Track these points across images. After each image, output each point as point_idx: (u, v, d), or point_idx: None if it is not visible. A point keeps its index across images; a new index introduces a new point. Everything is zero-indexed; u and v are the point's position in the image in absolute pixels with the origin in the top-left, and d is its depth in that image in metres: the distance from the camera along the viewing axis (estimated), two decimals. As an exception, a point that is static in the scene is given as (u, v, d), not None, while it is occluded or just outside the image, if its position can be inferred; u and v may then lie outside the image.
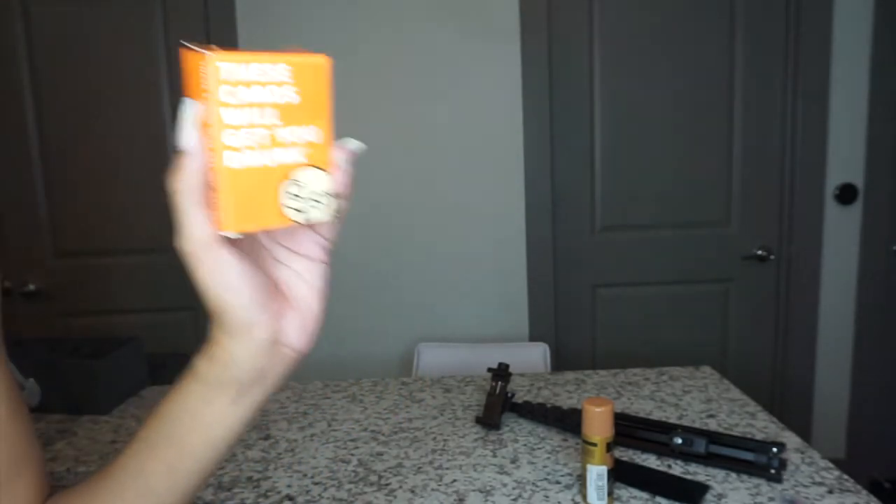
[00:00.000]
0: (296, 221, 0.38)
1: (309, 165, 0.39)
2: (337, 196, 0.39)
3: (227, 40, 2.14)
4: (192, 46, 0.36)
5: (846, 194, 2.23)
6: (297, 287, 0.42)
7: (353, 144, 0.41)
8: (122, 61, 2.17)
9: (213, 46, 0.36)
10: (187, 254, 0.37)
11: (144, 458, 0.44)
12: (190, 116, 0.36)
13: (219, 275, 0.37)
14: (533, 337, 2.29)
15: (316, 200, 0.39)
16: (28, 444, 0.48)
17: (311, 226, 0.41)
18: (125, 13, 2.15)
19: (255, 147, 0.37)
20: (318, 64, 0.38)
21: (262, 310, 0.39)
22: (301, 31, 2.15)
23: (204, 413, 0.42)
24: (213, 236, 0.36)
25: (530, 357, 1.92)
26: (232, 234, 0.36)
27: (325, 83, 0.39)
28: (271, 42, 2.14)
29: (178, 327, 2.28)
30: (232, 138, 0.36)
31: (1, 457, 0.45)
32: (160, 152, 2.22)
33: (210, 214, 0.36)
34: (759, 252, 2.29)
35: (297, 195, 0.38)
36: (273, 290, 0.41)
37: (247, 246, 0.41)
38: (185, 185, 0.36)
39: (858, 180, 2.24)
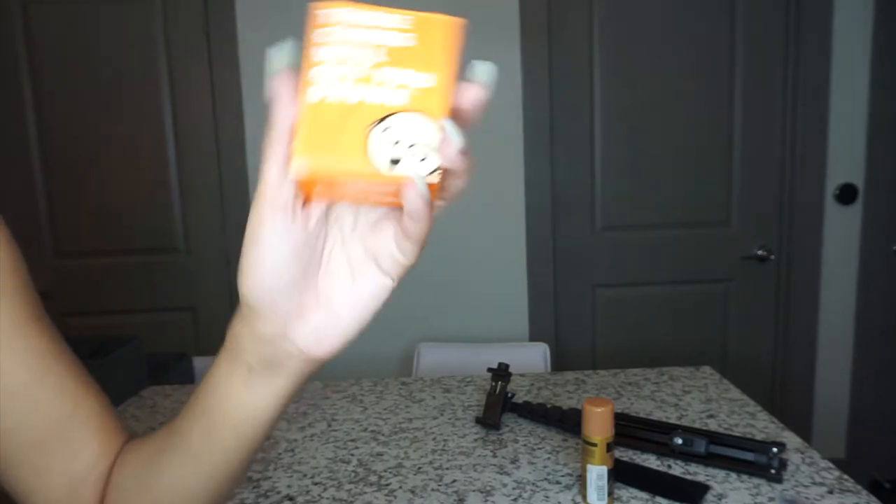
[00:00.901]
0: (382, 172, 0.31)
1: (413, 111, 0.32)
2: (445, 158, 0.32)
3: (227, 40, 2.14)
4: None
5: (846, 194, 2.23)
6: (339, 289, 0.36)
7: (485, 71, 0.34)
8: (122, 61, 2.17)
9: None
10: (253, 206, 0.33)
11: (189, 423, 0.43)
12: (277, 59, 0.32)
13: (261, 246, 0.34)
14: (533, 337, 2.29)
15: (416, 153, 0.31)
16: (75, 398, 0.48)
17: (403, 194, 0.32)
18: (125, 13, 2.15)
19: (346, 81, 0.31)
20: (449, 20, 0.33)
21: (273, 304, 0.35)
22: (300, 31, 2.15)
23: (226, 386, 0.40)
24: (279, 199, 0.32)
25: (530, 357, 1.92)
26: (301, 168, 0.31)
27: (450, 39, 0.33)
28: (271, 42, 2.14)
29: (178, 327, 2.28)
30: (319, 74, 0.31)
31: (36, 417, 0.46)
32: (160, 152, 2.22)
33: (285, 170, 0.32)
34: (759, 252, 2.29)
35: (391, 141, 0.31)
36: (309, 282, 0.36)
37: (315, 225, 0.35)
38: (270, 135, 0.32)
39: (858, 180, 2.24)
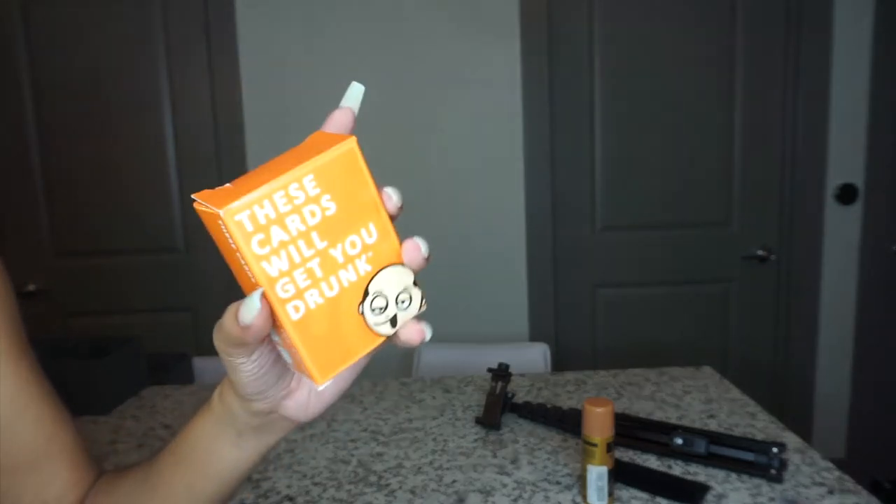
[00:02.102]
0: (389, 335, 0.35)
1: (379, 270, 0.34)
2: (417, 282, 0.35)
3: (227, 40, 2.14)
4: (203, 203, 0.32)
5: (846, 194, 2.23)
6: None
7: (355, 92, 0.37)
8: (121, 61, 2.17)
9: (225, 187, 0.32)
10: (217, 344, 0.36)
11: (170, 469, 0.46)
12: (254, 307, 0.31)
13: (233, 372, 0.37)
14: (533, 337, 2.29)
15: (402, 301, 0.35)
16: (52, 431, 0.50)
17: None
18: (125, 13, 2.15)
19: (311, 285, 0.32)
20: (344, 153, 0.33)
21: (264, 395, 0.38)
22: (300, 30, 2.15)
23: (213, 445, 0.44)
24: (234, 352, 0.35)
25: (530, 357, 1.92)
26: (326, 385, 0.34)
27: (359, 172, 0.33)
28: (271, 42, 2.14)
29: (178, 327, 2.28)
30: (284, 288, 0.32)
31: (12, 445, 0.47)
32: (160, 152, 2.22)
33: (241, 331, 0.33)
34: (759, 252, 2.29)
35: (381, 308, 0.34)
36: (284, 372, 0.39)
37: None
38: (220, 333, 0.34)
39: (858, 180, 2.24)
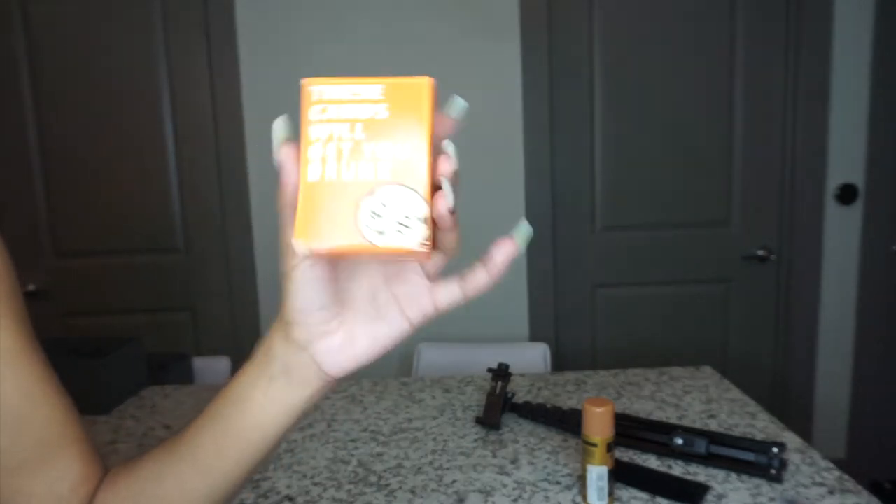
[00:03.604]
0: (374, 244, 0.34)
1: (395, 183, 0.35)
2: (430, 222, 0.35)
3: (227, 40, 2.14)
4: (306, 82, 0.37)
5: (846, 194, 2.23)
6: (362, 324, 0.42)
7: (458, 108, 0.38)
8: (121, 61, 2.17)
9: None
10: (281, 254, 0.39)
11: (201, 432, 0.46)
12: (277, 134, 0.37)
13: (293, 288, 0.39)
14: (533, 337, 2.29)
15: (401, 224, 0.35)
16: (63, 424, 0.50)
17: (400, 258, 0.38)
18: (125, 13, 2.15)
19: (335, 159, 0.35)
20: (417, 83, 0.36)
21: (306, 319, 0.40)
22: (299, 28, 2.15)
23: (248, 395, 0.44)
24: (299, 256, 0.37)
25: (530, 357, 1.92)
26: (302, 248, 0.35)
27: (424, 102, 0.36)
28: (271, 42, 2.14)
29: (178, 327, 2.28)
30: (313, 152, 0.36)
31: (26, 439, 0.47)
32: (160, 152, 2.22)
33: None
34: (759, 252, 2.29)
35: (378, 214, 0.35)
36: (338, 309, 0.41)
37: (345, 263, 0.41)
38: (281, 200, 0.37)
39: (858, 180, 2.24)
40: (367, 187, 0.35)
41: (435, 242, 0.37)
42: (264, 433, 0.45)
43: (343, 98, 0.36)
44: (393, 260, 0.40)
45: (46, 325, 2.25)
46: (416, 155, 0.35)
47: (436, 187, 0.36)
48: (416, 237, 0.35)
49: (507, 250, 0.39)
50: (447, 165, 0.36)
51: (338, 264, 0.40)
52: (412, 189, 0.35)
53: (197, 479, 0.46)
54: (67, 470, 0.49)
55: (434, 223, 0.36)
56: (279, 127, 0.37)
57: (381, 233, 0.35)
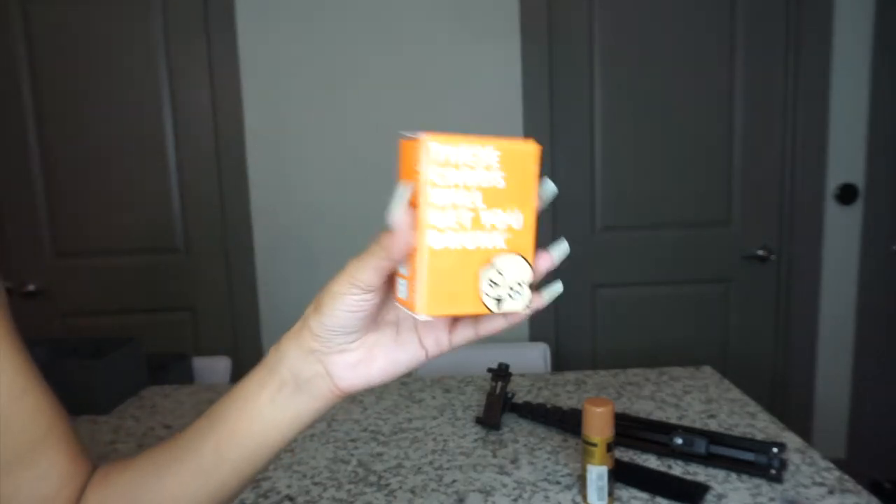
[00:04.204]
0: (491, 310, 0.38)
1: (511, 252, 0.38)
2: (532, 288, 0.39)
3: (227, 40, 2.14)
4: (409, 135, 0.37)
5: (846, 194, 2.23)
6: (382, 346, 0.43)
7: (560, 251, 0.41)
8: (122, 61, 2.17)
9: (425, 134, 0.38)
10: (340, 277, 0.39)
11: (202, 434, 0.46)
12: (402, 196, 0.37)
13: (335, 307, 0.40)
14: (533, 337, 2.29)
15: (513, 290, 0.38)
16: (48, 423, 0.48)
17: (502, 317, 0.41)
18: (125, 13, 2.15)
19: (458, 229, 0.37)
20: (528, 151, 0.38)
21: (330, 336, 0.41)
22: (300, 30, 2.15)
23: (254, 400, 0.44)
24: (359, 285, 0.38)
25: (530, 357, 1.92)
26: (423, 318, 0.36)
27: (532, 170, 0.38)
28: (271, 42, 2.14)
29: (178, 327, 2.28)
30: (437, 218, 0.36)
31: (7, 440, 0.46)
32: (160, 152, 2.22)
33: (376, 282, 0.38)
34: (760, 252, 2.29)
35: (496, 283, 0.37)
36: (362, 331, 0.42)
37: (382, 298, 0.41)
38: (384, 246, 0.37)
39: (858, 180, 2.24)
40: (487, 256, 0.37)
41: None
42: (266, 441, 0.45)
43: (462, 162, 0.37)
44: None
45: (46, 325, 2.25)
46: (528, 226, 0.38)
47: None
48: (524, 301, 0.38)
49: (545, 265, 0.41)
50: (546, 263, 0.40)
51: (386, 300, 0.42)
52: (523, 258, 0.38)
53: (194, 483, 0.46)
54: (52, 469, 0.48)
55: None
56: (404, 191, 0.37)
57: (497, 299, 0.38)
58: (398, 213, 0.36)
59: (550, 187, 0.40)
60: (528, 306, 0.39)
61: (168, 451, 0.47)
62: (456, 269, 0.37)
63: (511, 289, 0.38)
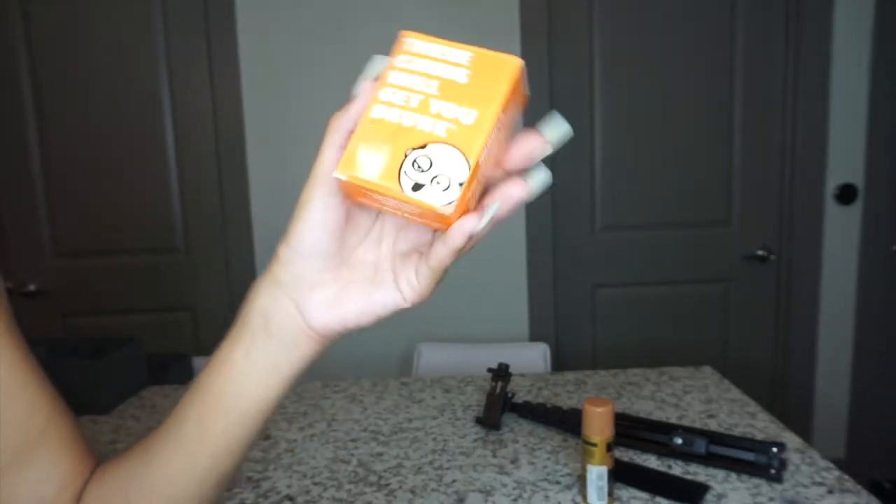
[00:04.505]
0: (403, 191, 0.34)
1: (447, 143, 0.35)
2: (465, 193, 0.34)
3: (227, 40, 2.14)
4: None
5: (846, 194, 2.23)
6: (356, 284, 0.40)
7: (556, 131, 0.36)
8: (121, 61, 2.17)
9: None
10: (309, 179, 0.39)
11: (184, 409, 0.44)
12: (369, 70, 0.38)
13: (304, 218, 0.39)
14: (533, 337, 2.29)
15: (439, 183, 0.34)
16: (46, 422, 0.47)
17: (419, 215, 0.36)
18: (125, 13, 2.15)
19: (402, 106, 0.36)
20: (502, 58, 0.36)
21: (300, 259, 0.39)
22: (300, 28, 2.15)
23: (229, 359, 0.42)
24: (329, 179, 0.38)
25: (530, 357, 1.92)
26: (340, 176, 0.36)
27: (505, 78, 0.36)
28: (271, 42, 2.14)
29: (178, 327, 2.28)
30: (386, 94, 0.37)
31: (14, 433, 0.45)
32: (160, 152, 2.22)
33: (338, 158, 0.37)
34: (759, 252, 2.29)
35: (421, 167, 0.35)
36: (335, 264, 0.40)
37: (363, 216, 0.41)
38: (336, 122, 0.37)
39: (858, 180, 2.24)
40: (421, 139, 0.35)
41: (460, 213, 0.35)
42: (248, 402, 0.42)
43: (431, 55, 0.37)
44: (410, 217, 0.38)
45: (46, 325, 2.25)
46: (480, 126, 0.35)
47: (483, 192, 0.36)
48: (444, 198, 0.34)
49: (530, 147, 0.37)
50: (525, 148, 0.36)
51: (353, 219, 0.40)
52: (461, 153, 0.34)
53: (181, 462, 0.44)
54: (53, 470, 0.47)
55: (459, 212, 0.34)
56: (376, 62, 0.38)
57: (415, 186, 0.34)
58: (361, 84, 0.37)
59: (563, 126, 0.36)
60: (448, 205, 0.33)
61: (155, 436, 0.45)
62: (385, 141, 0.35)
63: (435, 180, 0.34)
